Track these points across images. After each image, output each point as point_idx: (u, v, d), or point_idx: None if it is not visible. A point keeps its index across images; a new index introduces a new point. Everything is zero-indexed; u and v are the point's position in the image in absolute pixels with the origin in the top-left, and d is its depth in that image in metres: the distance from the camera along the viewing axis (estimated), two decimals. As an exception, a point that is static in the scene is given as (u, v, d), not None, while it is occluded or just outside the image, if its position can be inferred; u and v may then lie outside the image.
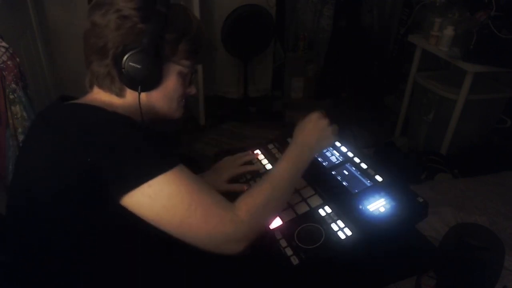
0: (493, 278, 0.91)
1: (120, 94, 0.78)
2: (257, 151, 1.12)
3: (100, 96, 0.78)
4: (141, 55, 0.72)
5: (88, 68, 0.78)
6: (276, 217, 0.85)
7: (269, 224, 0.82)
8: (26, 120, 1.37)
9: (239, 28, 2.66)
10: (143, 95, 0.76)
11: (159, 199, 0.66)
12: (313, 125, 0.92)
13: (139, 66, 0.72)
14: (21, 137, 1.38)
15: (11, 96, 1.32)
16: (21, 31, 1.90)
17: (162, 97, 0.80)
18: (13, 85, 1.31)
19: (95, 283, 0.74)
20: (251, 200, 0.75)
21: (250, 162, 1.08)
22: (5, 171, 1.39)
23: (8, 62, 1.30)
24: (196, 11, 2.37)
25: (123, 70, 0.72)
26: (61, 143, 0.68)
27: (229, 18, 2.65)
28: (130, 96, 0.78)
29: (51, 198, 0.69)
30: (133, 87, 0.75)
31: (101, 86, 0.78)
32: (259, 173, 1.04)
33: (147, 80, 0.75)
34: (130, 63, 0.72)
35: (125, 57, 0.71)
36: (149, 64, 0.73)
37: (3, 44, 1.31)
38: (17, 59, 1.35)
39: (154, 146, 0.69)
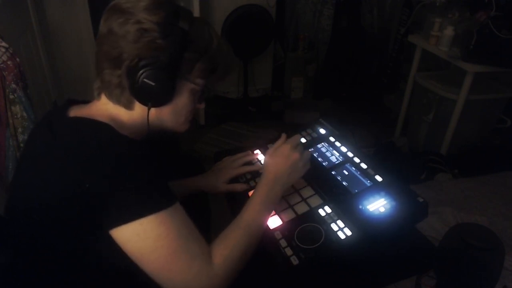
0: (493, 278, 0.91)
1: (129, 106, 0.76)
2: (257, 151, 1.12)
3: (108, 107, 0.76)
4: (157, 72, 0.69)
5: (99, 74, 0.75)
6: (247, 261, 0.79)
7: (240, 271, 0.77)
8: (26, 120, 1.37)
9: (239, 28, 2.66)
10: (152, 109, 0.75)
11: (146, 238, 0.65)
12: (285, 159, 0.87)
13: (153, 83, 0.69)
14: (21, 137, 1.38)
15: (11, 96, 1.32)
16: (21, 31, 1.90)
17: (171, 112, 0.78)
18: (13, 85, 1.31)
19: None
20: (226, 252, 0.73)
21: (250, 163, 1.07)
22: (5, 171, 1.39)
23: (8, 62, 1.30)
24: (196, 11, 2.37)
25: (136, 84, 0.70)
26: (63, 162, 0.67)
27: (229, 18, 2.65)
28: (139, 109, 0.76)
29: (44, 211, 0.69)
30: (144, 102, 0.73)
31: (110, 96, 0.75)
32: (258, 173, 1.04)
33: (158, 97, 0.73)
34: (144, 79, 0.69)
35: (140, 72, 0.69)
36: (163, 82, 0.71)
37: (3, 44, 1.31)
38: (17, 59, 1.34)
39: (154, 180, 0.67)
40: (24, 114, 1.36)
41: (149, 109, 0.74)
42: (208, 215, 1.22)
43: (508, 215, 1.32)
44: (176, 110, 0.78)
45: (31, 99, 1.41)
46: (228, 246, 0.74)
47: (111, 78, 0.73)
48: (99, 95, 0.78)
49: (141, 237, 0.64)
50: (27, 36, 1.97)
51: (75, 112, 0.76)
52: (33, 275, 0.74)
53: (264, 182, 0.86)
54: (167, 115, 0.79)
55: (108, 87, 0.74)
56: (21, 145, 1.39)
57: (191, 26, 0.72)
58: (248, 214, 0.81)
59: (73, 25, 2.43)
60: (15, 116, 1.35)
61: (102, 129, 0.70)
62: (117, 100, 0.75)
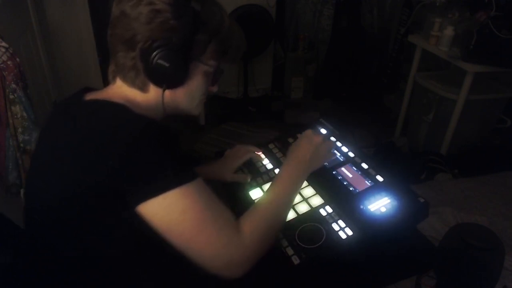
0: (493, 278, 0.91)
1: (143, 89, 0.76)
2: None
3: (123, 90, 0.76)
4: (170, 53, 0.70)
5: (113, 57, 0.75)
6: (275, 238, 0.81)
7: (270, 248, 0.78)
8: (26, 120, 1.37)
9: (239, 28, 2.66)
10: (166, 91, 0.75)
11: (172, 212, 0.65)
12: (306, 141, 0.92)
13: (167, 64, 0.70)
14: (21, 137, 1.38)
15: (11, 96, 1.32)
16: (21, 31, 1.90)
17: (185, 95, 0.79)
18: (13, 85, 1.31)
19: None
20: (254, 224, 0.73)
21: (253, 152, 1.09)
22: (5, 171, 1.39)
23: (8, 62, 1.30)
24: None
25: (150, 65, 0.70)
26: (82, 143, 0.67)
27: (229, 18, 2.65)
28: (153, 91, 0.76)
29: (66, 197, 0.69)
30: (158, 84, 0.74)
31: (124, 79, 0.76)
32: (260, 172, 1.04)
33: (173, 78, 0.73)
34: (158, 61, 0.69)
35: (153, 54, 0.69)
36: (177, 63, 0.71)
37: (3, 44, 1.31)
38: (17, 59, 1.34)
39: (175, 156, 0.68)
40: (24, 114, 1.36)
41: (164, 91, 0.75)
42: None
43: (508, 215, 1.32)
44: (189, 92, 0.79)
45: (31, 99, 1.40)
46: (255, 219, 0.75)
47: (125, 61, 0.73)
48: (114, 78, 0.78)
49: (168, 210, 0.65)
50: (27, 36, 1.96)
51: (91, 96, 0.76)
52: (59, 260, 0.75)
53: (287, 162, 0.89)
54: (181, 97, 0.79)
55: (123, 70, 0.75)
56: (21, 145, 1.38)
57: (203, 7, 0.72)
58: (273, 190, 0.83)
59: (73, 25, 2.43)
60: (15, 116, 1.35)
61: (120, 109, 0.70)
62: (132, 83, 0.75)
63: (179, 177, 0.66)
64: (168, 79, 0.73)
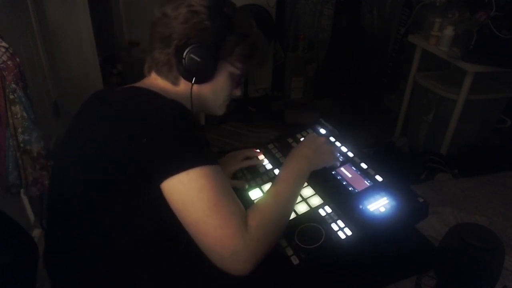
0: (493, 278, 0.91)
1: (175, 82, 0.83)
2: (258, 151, 1.12)
3: (157, 82, 0.84)
4: (201, 50, 0.77)
5: (150, 54, 0.83)
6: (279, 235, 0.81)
7: (274, 246, 0.78)
8: (26, 120, 1.37)
9: (239, 28, 2.66)
10: (195, 86, 0.82)
11: (190, 189, 0.68)
12: (309, 140, 0.97)
13: (198, 59, 0.77)
14: (21, 137, 1.38)
15: (11, 96, 1.32)
16: (21, 31, 1.90)
17: (210, 92, 0.86)
18: (13, 85, 1.31)
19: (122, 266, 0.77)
20: (259, 217, 0.75)
21: (252, 159, 1.09)
22: (5, 171, 1.39)
23: (8, 62, 1.30)
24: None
25: (182, 60, 0.77)
26: (117, 122, 0.73)
27: (229, 18, 2.65)
28: (183, 86, 0.83)
29: (92, 179, 0.73)
30: (188, 78, 0.81)
31: (159, 73, 0.83)
32: (259, 173, 1.04)
33: (201, 73, 0.80)
34: (190, 55, 0.77)
35: (187, 49, 0.77)
36: (207, 59, 0.78)
37: (3, 44, 1.31)
38: (17, 59, 1.34)
39: (201, 139, 0.73)
40: (24, 114, 1.36)
41: (192, 85, 0.81)
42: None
43: (508, 215, 1.33)
44: (215, 90, 0.87)
45: (31, 99, 1.40)
46: (261, 212, 0.77)
47: (160, 56, 0.81)
48: (149, 72, 0.86)
49: (186, 186, 0.68)
50: (27, 36, 1.96)
51: (126, 86, 0.84)
52: (70, 255, 0.78)
53: (290, 157, 0.92)
54: (207, 94, 0.86)
55: (157, 64, 0.83)
56: (21, 145, 1.38)
57: (234, 13, 0.81)
58: (277, 185, 0.85)
59: (73, 25, 2.43)
60: (15, 116, 1.35)
61: (156, 94, 0.77)
62: (165, 77, 0.83)
63: (202, 158, 0.70)
64: (197, 73, 0.80)
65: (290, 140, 1.13)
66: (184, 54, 0.77)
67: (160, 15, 0.80)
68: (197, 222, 0.69)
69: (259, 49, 0.88)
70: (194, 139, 0.72)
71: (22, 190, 1.48)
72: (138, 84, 0.84)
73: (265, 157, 1.09)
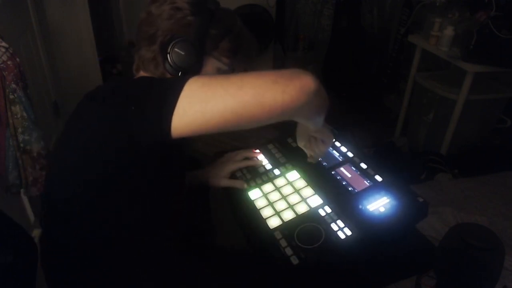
0: (493, 278, 0.91)
1: None
2: (257, 151, 1.12)
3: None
4: (185, 44, 0.78)
5: (137, 53, 0.84)
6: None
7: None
8: (26, 120, 1.37)
9: (239, 28, 2.66)
10: None
11: (198, 102, 0.63)
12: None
13: (182, 53, 0.78)
14: (21, 137, 1.38)
15: (11, 96, 1.32)
16: (21, 31, 1.90)
17: None
18: (13, 85, 1.31)
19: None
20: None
21: (250, 158, 1.08)
22: (5, 171, 1.39)
23: (8, 62, 1.30)
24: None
25: (168, 55, 0.78)
26: (119, 118, 0.68)
27: (229, 18, 2.65)
28: None
29: (101, 169, 0.71)
30: (174, 73, 0.80)
31: (146, 70, 0.84)
32: (258, 173, 1.04)
33: (187, 67, 0.80)
34: (175, 49, 0.77)
35: (171, 44, 0.77)
36: (191, 53, 0.78)
37: (3, 44, 1.31)
38: (17, 59, 1.34)
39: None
40: (24, 114, 1.36)
41: None
42: (208, 213, 1.22)
43: (508, 215, 1.33)
44: None
45: (31, 99, 1.40)
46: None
47: (146, 53, 0.82)
48: (137, 71, 0.86)
49: (196, 104, 0.63)
50: (27, 36, 1.96)
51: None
52: (67, 253, 0.78)
53: None
54: None
55: (143, 62, 0.83)
56: (21, 145, 1.38)
57: (217, 8, 0.82)
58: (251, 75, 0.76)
59: (73, 25, 2.43)
60: (15, 116, 1.35)
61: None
62: (152, 74, 0.83)
63: (177, 80, 0.64)
64: (183, 67, 0.79)
65: (290, 140, 1.13)
66: (169, 49, 0.77)
67: (146, 15, 0.82)
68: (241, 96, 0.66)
69: (244, 43, 0.87)
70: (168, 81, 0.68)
71: (22, 190, 1.48)
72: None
73: (265, 157, 1.09)
